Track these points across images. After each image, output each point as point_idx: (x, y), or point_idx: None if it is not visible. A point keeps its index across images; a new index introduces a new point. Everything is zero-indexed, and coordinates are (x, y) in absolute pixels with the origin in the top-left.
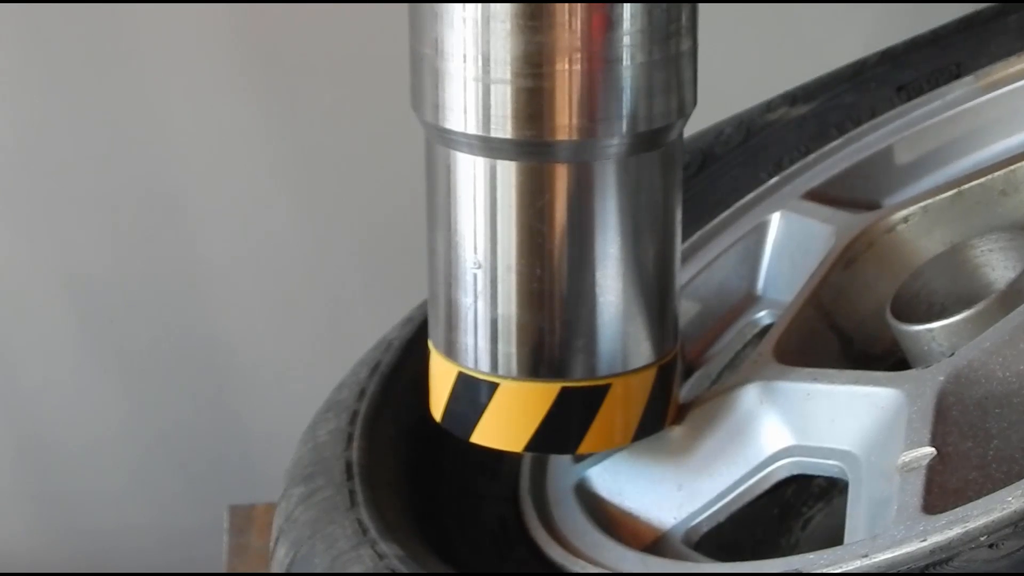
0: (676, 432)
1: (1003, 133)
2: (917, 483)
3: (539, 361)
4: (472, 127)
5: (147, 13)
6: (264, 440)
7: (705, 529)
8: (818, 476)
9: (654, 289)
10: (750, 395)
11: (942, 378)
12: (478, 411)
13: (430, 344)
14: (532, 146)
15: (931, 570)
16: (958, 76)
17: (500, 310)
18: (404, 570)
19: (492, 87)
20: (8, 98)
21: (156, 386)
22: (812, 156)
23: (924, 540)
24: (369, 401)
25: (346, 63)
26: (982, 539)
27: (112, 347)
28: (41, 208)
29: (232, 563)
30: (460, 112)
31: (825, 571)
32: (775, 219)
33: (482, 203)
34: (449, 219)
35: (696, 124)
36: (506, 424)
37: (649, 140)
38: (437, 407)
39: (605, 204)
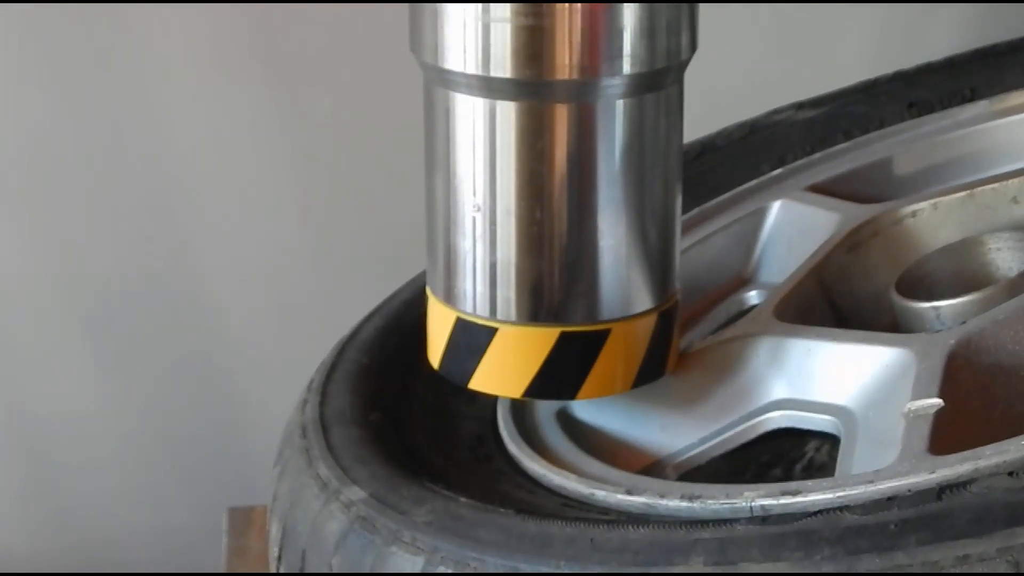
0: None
1: (1012, 157)
2: (924, 427)
3: (538, 306)
4: (472, 67)
5: (149, 13)
6: (264, 441)
7: (684, 469)
8: (809, 431)
9: (655, 234)
10: (748, 346)
11: (953, 342)
12: (476, 357)
13: (428, 291)
14: (532, 86)
15: (946, 494)
16: (972, 100)
17: (499, 254)
18: (373, 514)
19: (492, 26)
20: (9, 99)
21: (155, 387)
22: (818, 154)
23: (932, 472)
24: (322, 368)
25: (348, 64)
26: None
27: (112, 348)
28: (41, 210)
29: (231, 565)
30: (459, 52)
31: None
32: (775, 206)
33: (481, 145)
34: (448, 162)
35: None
36: (505, 370)
37: (650, 81)
38: (435, 354)
39: (605, 146)
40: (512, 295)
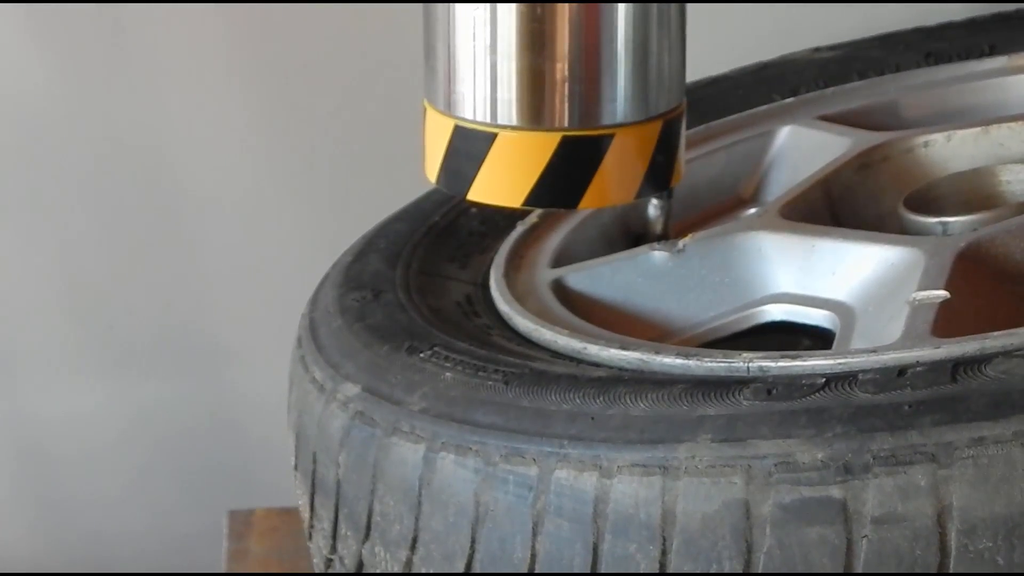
0: (660, 256)
1: None
2: (928, 313)
3: (539, 109)
4: None
5: (148, 14)
6: (264, 444)
7: None
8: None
9: (661, 37)
10: (750, 238)
11: (963, 244)
12: (475, 165)
13: (426, 103)
14: None
15: (960, 372)
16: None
17: (500, 53)
18: (369, 407)
19: None
20: (7, 101)
21: (155, 389)
22: (831, 89)
23: (938, 348)
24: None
25: (349, 67)
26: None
27: (111, 350)
28: (39, 211)
29: (231, 568)
30: None
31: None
32: (784, 131)
33: None
34: None
35: None
36: (505, 177)
37: None
38: (432, 167)
39: None
40: (513, 97)
